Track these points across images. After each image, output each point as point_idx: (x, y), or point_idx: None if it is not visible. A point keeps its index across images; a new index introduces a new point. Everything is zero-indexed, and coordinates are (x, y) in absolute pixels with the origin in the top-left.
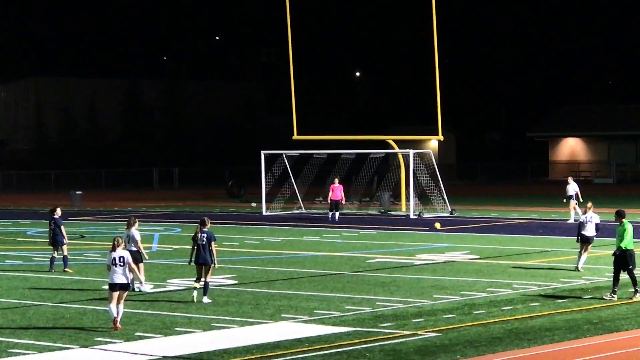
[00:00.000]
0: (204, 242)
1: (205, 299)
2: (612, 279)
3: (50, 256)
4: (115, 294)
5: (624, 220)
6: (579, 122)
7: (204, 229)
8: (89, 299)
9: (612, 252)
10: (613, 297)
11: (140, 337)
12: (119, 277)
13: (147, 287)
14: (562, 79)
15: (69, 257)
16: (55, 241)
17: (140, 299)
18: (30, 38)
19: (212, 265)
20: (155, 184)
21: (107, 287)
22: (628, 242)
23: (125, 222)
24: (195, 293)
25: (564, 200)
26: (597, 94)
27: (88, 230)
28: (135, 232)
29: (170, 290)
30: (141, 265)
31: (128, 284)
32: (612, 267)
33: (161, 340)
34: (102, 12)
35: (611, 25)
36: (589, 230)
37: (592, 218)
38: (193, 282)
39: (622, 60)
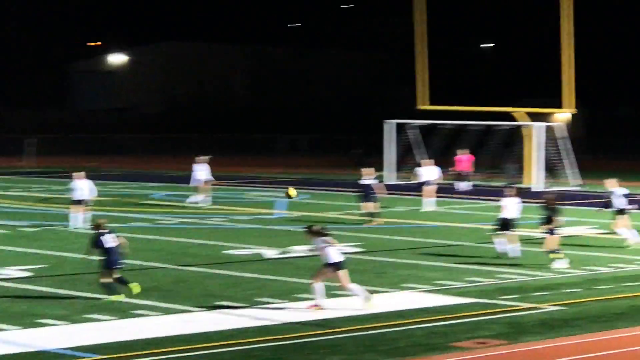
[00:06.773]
0: None
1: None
2: None
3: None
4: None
5: None
6: None
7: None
8: (211, 263)
9: None
10: None
11: (264, 303)
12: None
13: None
14: None
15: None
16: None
17: (264, 266)
18: (161, 2)
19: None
20: (282, 151)
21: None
22: None
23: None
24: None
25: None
26: None
27: (217, 195)
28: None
29: (294, 257)
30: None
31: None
32: None
33: (284, 305)
34: None
35: None
36: None
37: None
38: None
39: None
